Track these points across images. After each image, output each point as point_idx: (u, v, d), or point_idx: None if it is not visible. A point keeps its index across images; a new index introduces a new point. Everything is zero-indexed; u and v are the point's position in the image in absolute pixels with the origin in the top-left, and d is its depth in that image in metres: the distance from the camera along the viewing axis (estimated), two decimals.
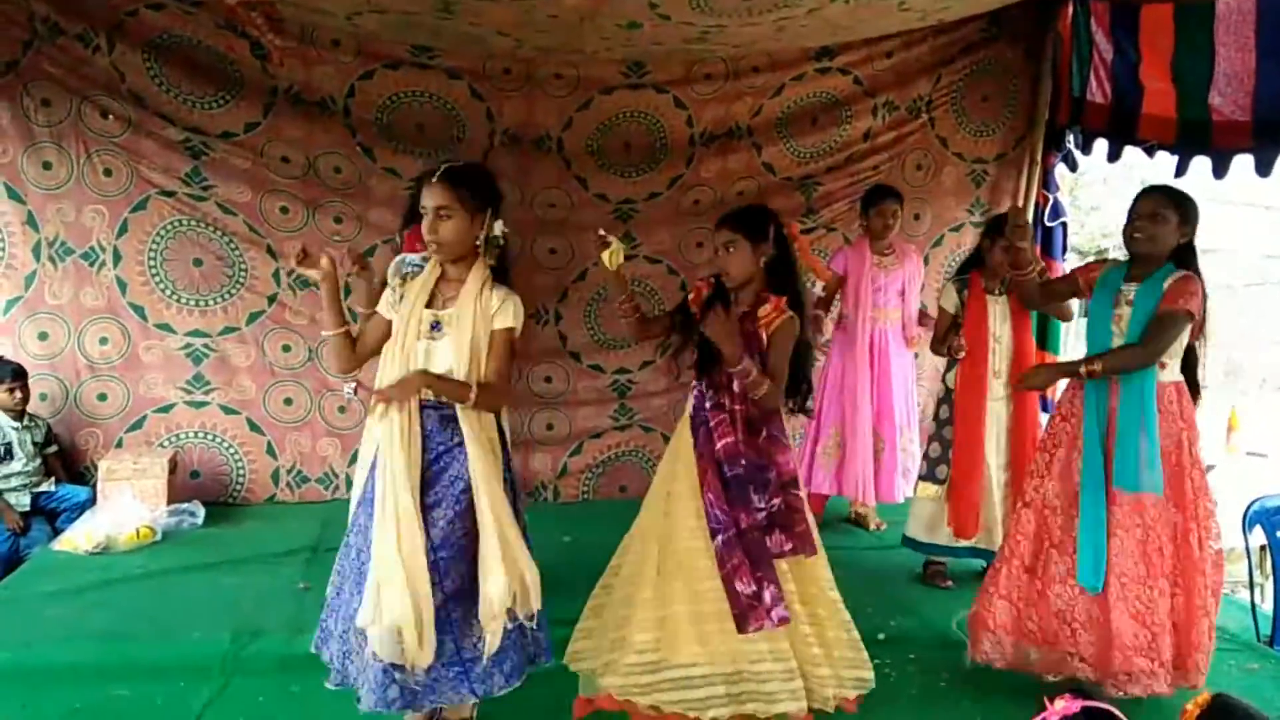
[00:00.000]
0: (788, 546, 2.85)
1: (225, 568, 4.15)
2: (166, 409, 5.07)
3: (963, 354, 4.08)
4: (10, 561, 4.40)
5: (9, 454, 4.58)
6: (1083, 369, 3.08)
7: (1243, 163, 4.13)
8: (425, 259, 2.83)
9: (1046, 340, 5.05)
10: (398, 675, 2.51)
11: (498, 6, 3.90)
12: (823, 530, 4.82)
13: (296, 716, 2.96)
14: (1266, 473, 7.11)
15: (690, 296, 3.05)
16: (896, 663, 3.44)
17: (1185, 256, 3.09)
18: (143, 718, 2.95)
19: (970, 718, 3.13)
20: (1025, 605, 3.22)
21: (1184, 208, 3.06)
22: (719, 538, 2.80)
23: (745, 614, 2.74)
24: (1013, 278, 3.70)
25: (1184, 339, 3.07)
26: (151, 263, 4.97)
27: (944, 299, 4.25)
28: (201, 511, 4.74)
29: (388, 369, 2.66)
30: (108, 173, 4.86)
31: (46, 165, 4.78)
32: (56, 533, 4.52)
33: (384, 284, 2.88)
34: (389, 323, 2.70)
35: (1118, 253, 7.22)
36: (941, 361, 4.35)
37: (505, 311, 2.64)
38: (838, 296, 4.82)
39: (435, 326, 2.63)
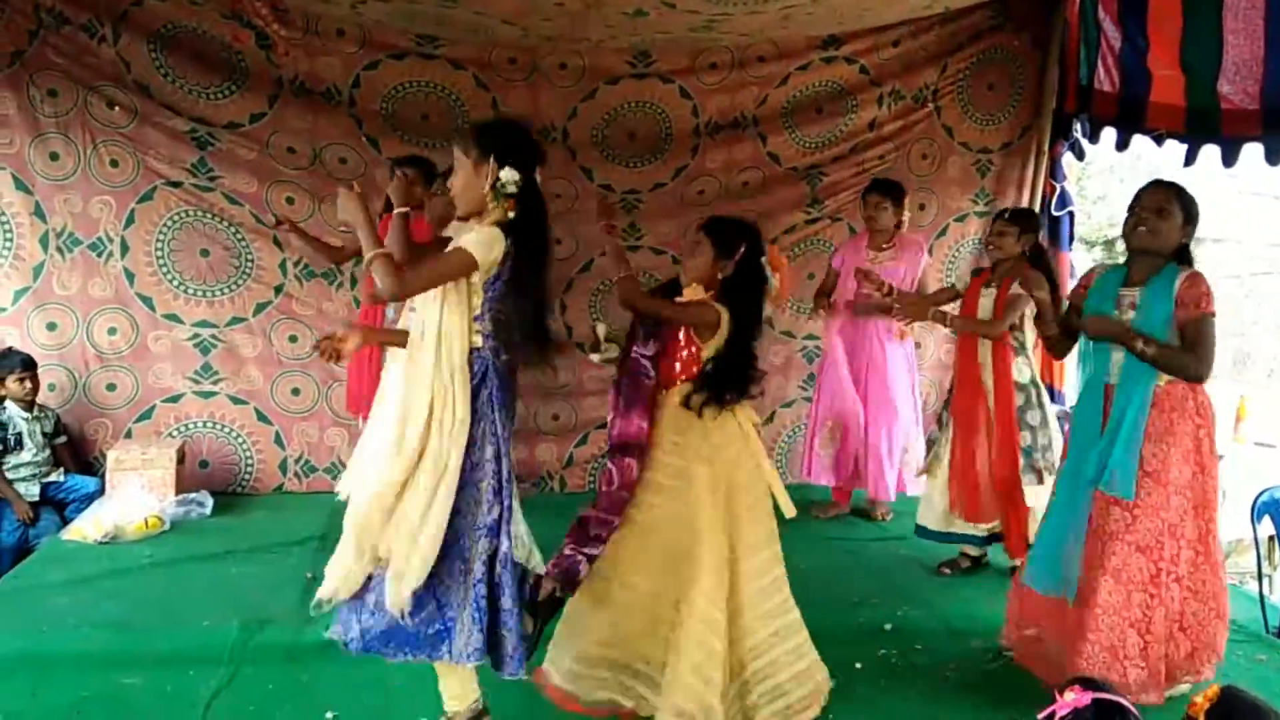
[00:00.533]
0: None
1: (233, 557, 4.17)
2: (175, 399, 5.08)
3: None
4: (19, 551, 4.43)
5: (19, 444, 4.60)
6: (1139, 345, 2.93)
7: (1252, 151, 4.10)
8: None
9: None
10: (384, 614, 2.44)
11: None
12: (830, 521, 4.92)
13: (305, 705, 2.97)
14: (1274, 463, 7.08)
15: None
16: (904, 653, 3.45)
17: (1185, 255, 3.05)
18: (152, 706, 2.96)
19: (979, 708, 3.12)
20: (1026, 600, 3.27)
21: (1189, 206, 3.02)
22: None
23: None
24: (1040, 334, 3.65)
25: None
26: (159, 253, 4.98)
27: (958, 280, 4.41)
28: (210, 501, 4.76)
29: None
30: (114, 163, 4.86)
31: (53, 156, 4.80)
32: (65, 523, 4.54)
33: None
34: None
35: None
36: (944, 351, 4.36)
37: (470, 237, 2.45)
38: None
39: None
